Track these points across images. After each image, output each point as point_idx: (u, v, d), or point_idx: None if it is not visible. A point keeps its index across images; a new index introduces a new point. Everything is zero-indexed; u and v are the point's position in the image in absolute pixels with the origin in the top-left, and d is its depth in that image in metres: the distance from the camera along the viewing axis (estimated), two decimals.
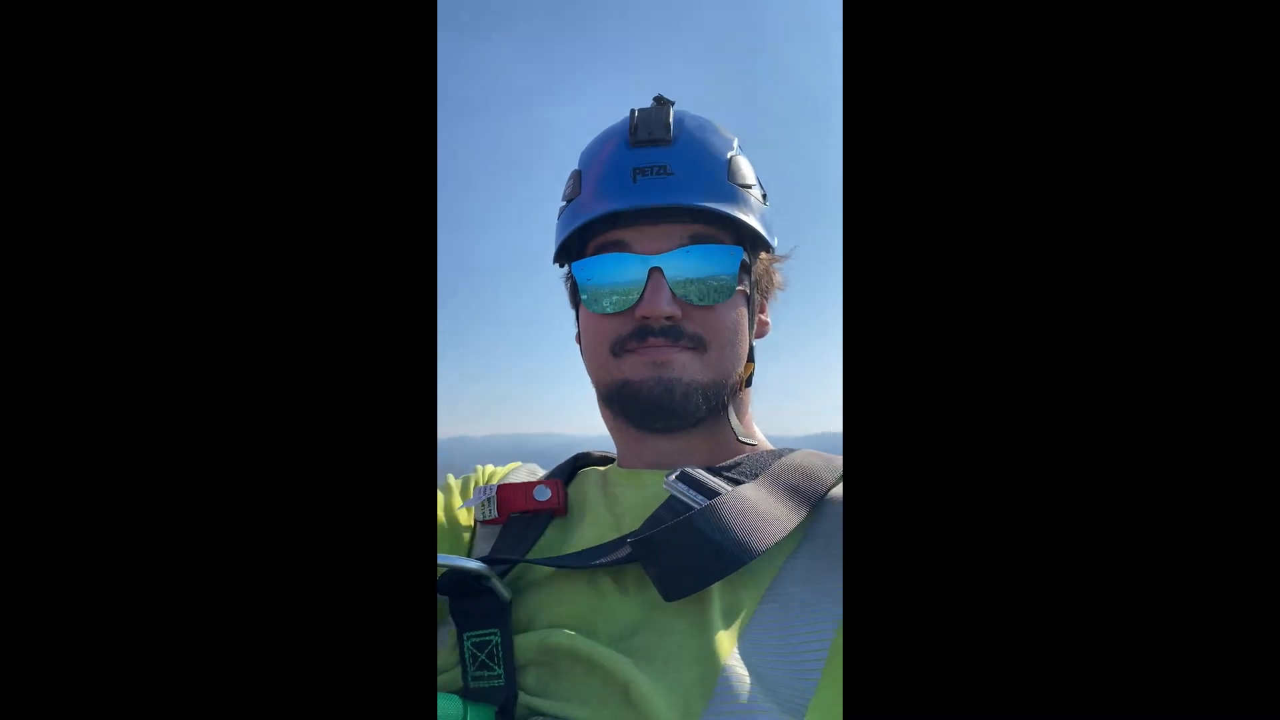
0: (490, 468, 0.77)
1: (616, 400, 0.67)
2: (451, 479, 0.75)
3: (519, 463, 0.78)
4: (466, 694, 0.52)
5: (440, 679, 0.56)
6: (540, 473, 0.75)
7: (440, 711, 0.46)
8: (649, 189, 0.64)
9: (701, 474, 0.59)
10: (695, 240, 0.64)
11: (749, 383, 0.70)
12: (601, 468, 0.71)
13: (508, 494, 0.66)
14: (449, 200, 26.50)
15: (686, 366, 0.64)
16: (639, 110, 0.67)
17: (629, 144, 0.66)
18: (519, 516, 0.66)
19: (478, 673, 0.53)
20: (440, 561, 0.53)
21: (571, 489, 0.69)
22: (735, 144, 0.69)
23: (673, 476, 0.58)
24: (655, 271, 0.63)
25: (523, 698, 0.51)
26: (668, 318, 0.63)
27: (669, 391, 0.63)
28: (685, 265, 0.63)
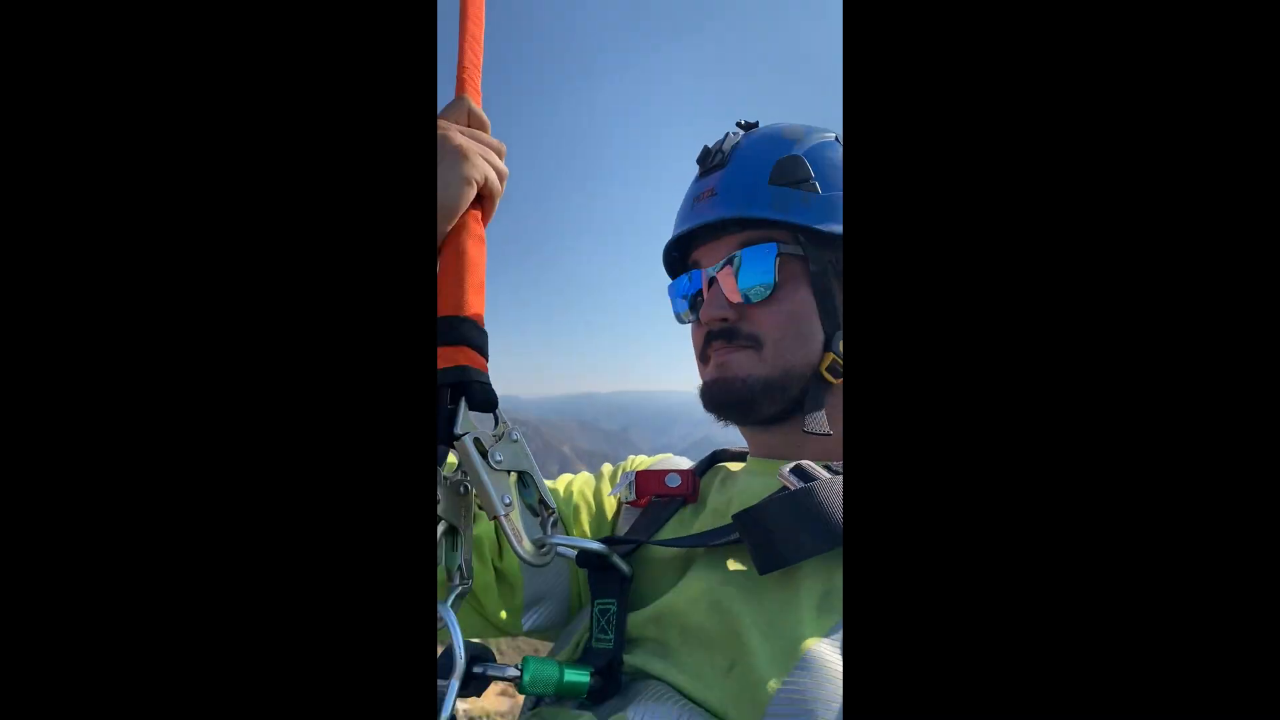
0: (641, 457, 0.87)
1: (705, 402, 0.74)
2: (606, 467, 0.86)
3: (670, 454, 0.88)
4: (587, 651, 0.61)
5: (576, 637, 0.66)
6: (685, 464, 0.83)
7: (538, 674, 0.53)
8: (699, 212, 0.73)
9: (814, 466, 0.62)
10: (744, 245, 0.70)
11: (838, 373, 0.70)
12: (738, 463, 0.79)
13: (644, 480, 0.75)
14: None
15: (743, 365, 0.69)
16: (714, 143, 0.76)
17: (699, 174, 0.76)
18: (657, 500, 0.75)
19: (599, 635, 0.62)
20: (569, 542, 0.60)
21: (704, 478, 0.78)
22: (801, 141, 0.72)
23: (787, 469, 0.62)
24: (711, 282, 0.72)
25: (630, 659, 0.59)
26: (721, 319, 0.70)
27: (727, 391, 0.69)
28: (736, 270, 0.70)
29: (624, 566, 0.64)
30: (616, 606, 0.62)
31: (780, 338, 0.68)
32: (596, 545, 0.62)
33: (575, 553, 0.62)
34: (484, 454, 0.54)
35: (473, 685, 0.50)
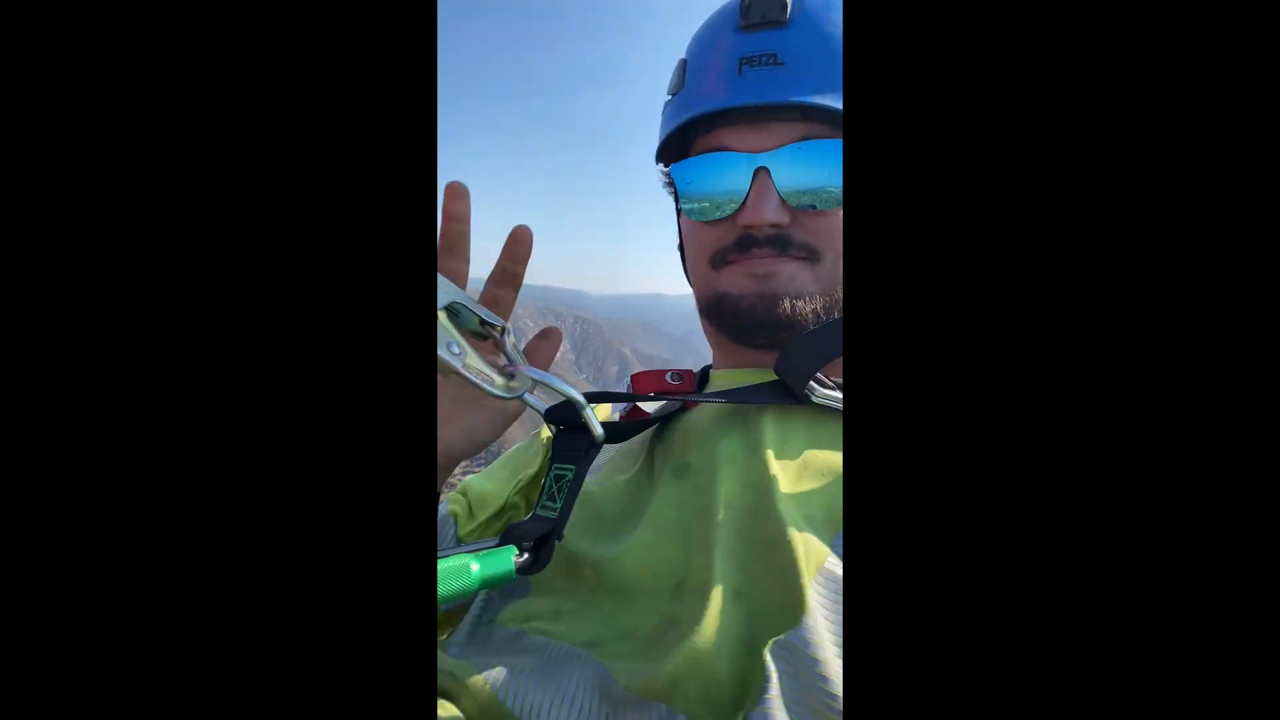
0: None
1: (715, 314, 0.62)
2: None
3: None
4: (534, 520, 0.50)
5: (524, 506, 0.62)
6: None
7: (449, 588, 0.43)
8: (756, 83, 0.56)
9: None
10: (805, 137, 0.56)
11: None
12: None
13: (641, 380, 0.65)
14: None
15: (795, 278, 0.57)
16: None
17: (739, 28, 0.58)
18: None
19: (546, 502, 0.51)
20: (539, 376, 0.49)
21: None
22: None
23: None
24: (761, 173, 0.56)
25: (571, 542, 0.51)
26: (773, 225, 0.56)
27: (772, 306, 0.57)
28: (795, 166, 0.56)
29: (597, 429, 0.51)
30: (573, 474, 0.51)
31: (838, 255, 0.57)
32: (571, 392, 0.50)
33: (545, 406, 0.52)
34: None
35: None
